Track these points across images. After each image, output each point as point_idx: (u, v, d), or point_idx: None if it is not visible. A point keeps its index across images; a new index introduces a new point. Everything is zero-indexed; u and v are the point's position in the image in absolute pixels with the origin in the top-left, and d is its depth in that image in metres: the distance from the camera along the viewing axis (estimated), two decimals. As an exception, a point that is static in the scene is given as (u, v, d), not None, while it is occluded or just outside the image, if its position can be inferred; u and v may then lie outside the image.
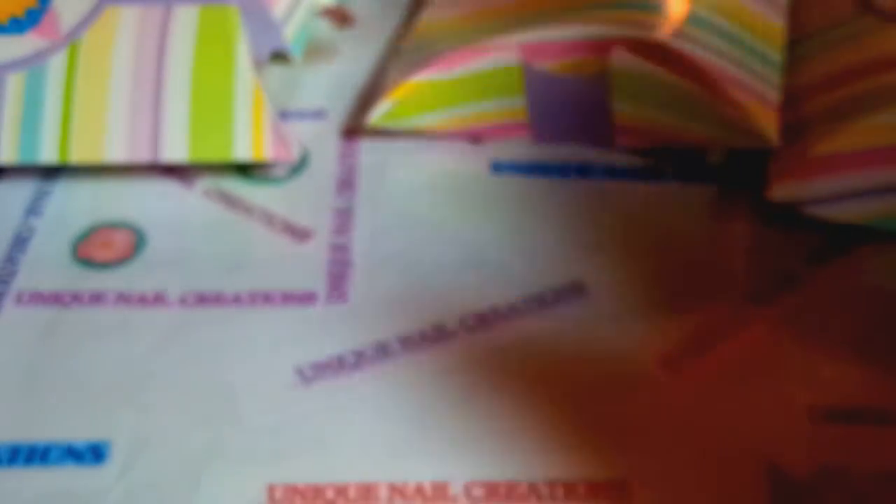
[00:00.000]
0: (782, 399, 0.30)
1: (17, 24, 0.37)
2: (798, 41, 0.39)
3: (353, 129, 0.40)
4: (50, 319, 0.33)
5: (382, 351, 0.32)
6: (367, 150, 0.39)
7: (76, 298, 0.34)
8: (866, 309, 0.32)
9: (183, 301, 0.34)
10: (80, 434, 0.30)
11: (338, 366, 0.31)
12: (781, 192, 0.34)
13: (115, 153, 0.36)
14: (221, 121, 0.37)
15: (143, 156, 0.36)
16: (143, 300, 0.34)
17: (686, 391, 0.30)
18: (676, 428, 0.29)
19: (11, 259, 0.35)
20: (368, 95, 0.41)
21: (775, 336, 0.32)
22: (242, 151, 0.37)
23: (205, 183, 0.38)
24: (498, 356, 0.31)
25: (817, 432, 0.29)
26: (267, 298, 0.34)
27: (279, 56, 0.42)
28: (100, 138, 0.36)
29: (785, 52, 0.38)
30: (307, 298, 0.33)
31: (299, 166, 0.38)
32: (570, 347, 0.32)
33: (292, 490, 0.28)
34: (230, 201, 0.37)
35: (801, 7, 0.40)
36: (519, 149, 0.38)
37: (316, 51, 0.44)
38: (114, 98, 0.37)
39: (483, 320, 0.32)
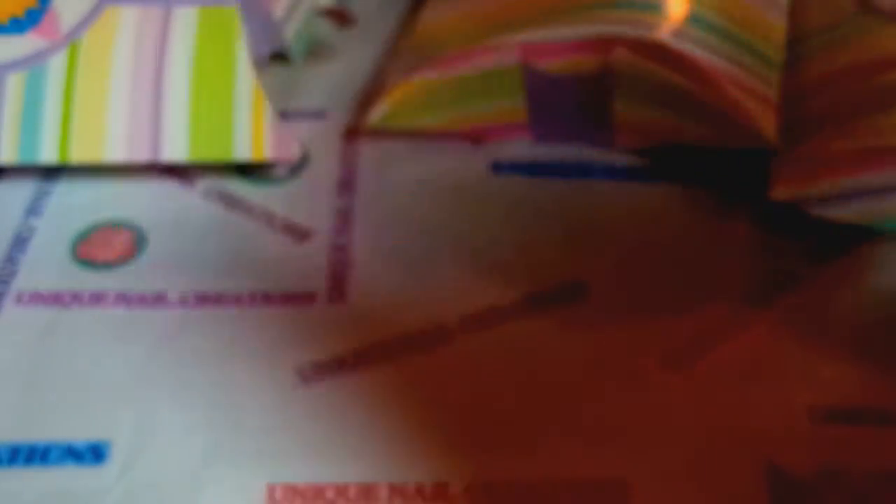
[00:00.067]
0: (782, 399, 0.30)
1: (17, 24, 0.37)
2: (798, 41, 0.39)
3: (353, 129, 0.40)
4: (50, 319, 0.33)
5: (382, 351, 0.32)
6: (367, 151, 0.39)
7: (76, 298, 0.34)
8: (866, 309, 0.32)
9: (183, 301, 0.34)
10: (80, 434, 0.30)
11: (338, 366, 0.31)
12: (784, 192, 0.34)
13: (115, 153, 0.36)
14: (221, 121, 0.37)
15: (143, 156, 0.36)
16: (143, 300, 0.34)
17: (686, 391, 0.30)
18: (676, 428, 0.29)
19: (11, 259, 0.35)
20: (368, 95, 0.41)
21: (775, 336, 0.32)
22: (242, 151, 0.37)
23: (205, 183, 0.38)
24: (498, 356, 0.31)
25: (817, 432, 0.29)
26: (267, 298, 0.33)
27: (279, 56, 0.42)
28: (100, 138, 0.36)
29: (785, 52, 0.38)
30: (307, 298, 0.33)
31: (299, 166, 0.38)
32: (570, 347, 0.32)
33: (292, 490, 0.28)
34: (230, 201, 0.37)
35: (801, 7, 0.40)
36: (519, 149, 0.38)
37: (316, 51, 0.44)
38: (114, 98, 0.37)
39: (483, 320, 0.32)
